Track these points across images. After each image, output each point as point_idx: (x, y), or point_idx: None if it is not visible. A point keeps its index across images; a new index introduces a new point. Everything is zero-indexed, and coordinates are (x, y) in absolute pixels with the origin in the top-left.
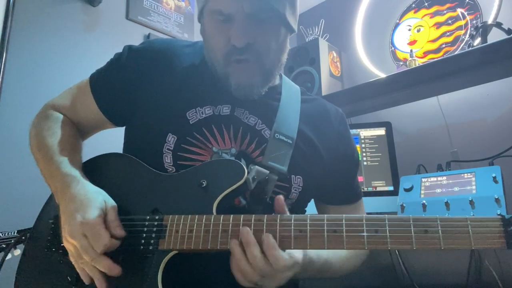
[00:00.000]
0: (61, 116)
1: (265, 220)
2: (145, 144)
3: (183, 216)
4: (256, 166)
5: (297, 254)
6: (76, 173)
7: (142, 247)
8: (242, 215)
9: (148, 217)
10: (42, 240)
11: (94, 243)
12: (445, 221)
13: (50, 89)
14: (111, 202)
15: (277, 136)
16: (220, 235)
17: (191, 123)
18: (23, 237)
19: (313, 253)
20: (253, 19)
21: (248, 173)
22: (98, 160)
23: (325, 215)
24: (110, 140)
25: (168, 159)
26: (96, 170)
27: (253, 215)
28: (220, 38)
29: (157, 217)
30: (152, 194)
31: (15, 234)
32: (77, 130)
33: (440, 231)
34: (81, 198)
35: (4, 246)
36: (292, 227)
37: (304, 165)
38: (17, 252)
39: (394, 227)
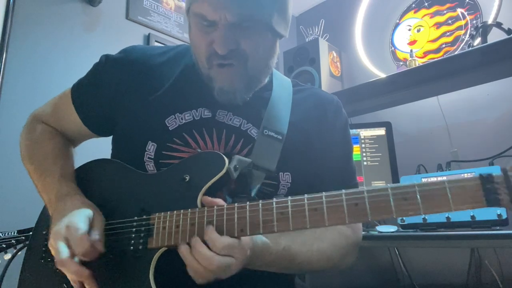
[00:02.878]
0: (48, 128)
1: (247, 207)
2: (127, 154)
3: (169, 212)
4: (237, 156)
5: (244, 239)
6: (69, 186)
7: (132, 247)
8: (225, 204)
9: (136, 218)
10: (39, 250)
11: (74, 244)
12: (423, 186)
13: (50, 89)
14: (100, 215)
15: (266, 132)
16: (206, 227)
17: (170, 129)
18: (23, 237)
19: (269, 238)
20: (236, 27)
21: (229, 162)
22: (87, 167)
23: (306, 195)
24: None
25: (150, 167)
26: (86, 177)
27: (236, 203)
28: (203, 41)
29: (144, 217)
30: (138, 195)
31: (15, 234)
32: (67, 139)
33: (418, 197)
34: (72, 208)
35: (4, 246)
36: (274, 211)
37: (294, 160)
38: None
39: (373, 198)
